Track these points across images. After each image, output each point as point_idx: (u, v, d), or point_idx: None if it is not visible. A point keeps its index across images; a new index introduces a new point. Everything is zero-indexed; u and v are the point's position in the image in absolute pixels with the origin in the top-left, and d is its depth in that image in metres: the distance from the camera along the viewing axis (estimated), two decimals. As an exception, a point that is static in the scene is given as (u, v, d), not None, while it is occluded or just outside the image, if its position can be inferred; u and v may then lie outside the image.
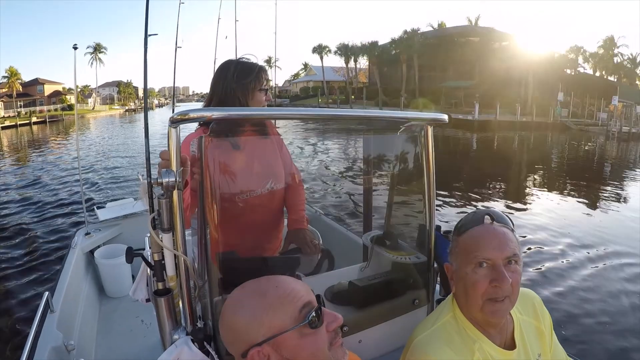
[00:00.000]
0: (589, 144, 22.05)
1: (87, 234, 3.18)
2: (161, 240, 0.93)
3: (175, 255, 0.95)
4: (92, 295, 2.81)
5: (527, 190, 10.48)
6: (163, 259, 0.98)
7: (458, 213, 7.45)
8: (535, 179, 12.45)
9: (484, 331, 1.00)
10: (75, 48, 3.12)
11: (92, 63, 64.75)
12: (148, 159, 0.98)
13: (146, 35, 1.28)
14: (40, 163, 14.48)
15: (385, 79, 45.47)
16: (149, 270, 1.49)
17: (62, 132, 30.37)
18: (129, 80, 79.86)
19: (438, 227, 1.44)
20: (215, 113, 0.88)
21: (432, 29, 44.33)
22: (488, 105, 30.02)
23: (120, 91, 76.53)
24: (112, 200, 3.86)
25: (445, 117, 1.29)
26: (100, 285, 3.07)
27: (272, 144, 1.63)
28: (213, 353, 0.93)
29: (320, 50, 48.99)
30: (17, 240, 5.93)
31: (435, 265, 1.40)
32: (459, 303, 1.04)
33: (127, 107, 66.59)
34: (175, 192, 0.90)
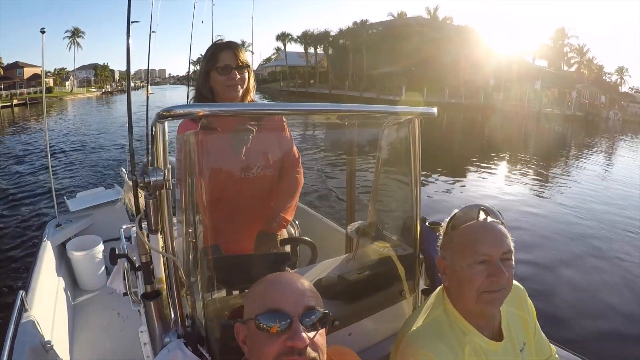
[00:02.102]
0: (512, 122, 25.91)
1: (58, 225, 3.04)
2: (149, 242, 0.89)
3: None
4: (67, 289, 2.72)
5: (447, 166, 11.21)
6: (150, 260, 0.94)
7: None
8: (459, 154, 13.67)
9: (474, 324, 1.02)
10: (42, 32, 2.94)
11: (70, 47, 65.85)
12: (132, 155, 0.93)
13: (129, 23, 1.20)
14: (9, 149, 13.72)
15: (336, 66, 49.70)
16: (126, 263, 1.45)
17: (41, 113, 30.33)
18: (106, 63, 80.00)
19: (423, 219, 1.45)
20: (204, 109, 0.84)
21: (392, 17, 47.87)
22: (427, 89, 34.04)
23: (97, 74, 76.28)
24: (82, 190, 3.70)
25: (435, 110, 1.28)
26: (73, 278, 2.96)
27: (267, 129, 1.58)
28: (207, 355, 0.91)
29: (283, 37, 52.98)
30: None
31: (421, 256, 1.42)
32: (451, 296, 1.06)
33: (103, 90, 66.75)
34: (163, 192, 0.86)
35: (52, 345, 1.73)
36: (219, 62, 1.46)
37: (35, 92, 45.70)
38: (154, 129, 0.86)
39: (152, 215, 0.88)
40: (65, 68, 64.02)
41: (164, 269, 0.95)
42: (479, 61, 38.33)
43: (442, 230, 1.13)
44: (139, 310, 1.86)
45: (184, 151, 0.93)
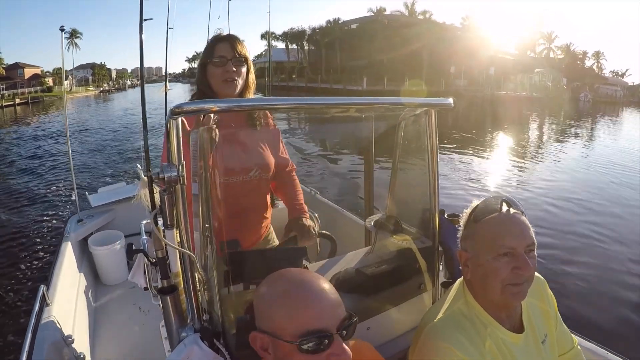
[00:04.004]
0: (470, 106, 29.12)
1: (79, 220, 3.10)
2: (164, 237, 0.89)
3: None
4: (88, 284, 2.77)
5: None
6: (167, 255, 0.94)
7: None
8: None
9: (495, 316, 1.01)
10: (62, 30, 2.98)
11: (68, 47, 67.51)
12: (147, 151, 0.93)
13: (141, 21, 1.20)
14: (28, 147, 14.20)
15: (313, 61, 56.27)
16: (146, 259, 1.46)
17: (43, 112, 31.78)
18: (103, 62, 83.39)
19: (442, 211, 1.42)
20: (217, 105, 0.83)
21: (372, 13, 52.89)
22: (393, 79, 40.00)
23: (95, 73, 79.18)
24: (103, 185, 3.76)
25: (451, 101, 1.25)
26: (95, 273, 3.02)
27: (263, 133, 1.54)
28: (223, 350, 0.91)
29: (267, 36, 58.23)
30: (8, 231, 5.78)
31: (440, 248, 1.40)
32: (473, 288, 1.05)
33: (101, 88, 69.79)
34: (178, 187, 0.86)
35: (73, 339, 1.76)
36: (214, 55, 1.40)
37: (36, 92, 48.61)
38: (168, 125, 0.86)
39: (167, 210, 0.87)
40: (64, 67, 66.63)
41: (180, 264, 0.95)
42: (440, 52, 43.59)
43: (462, 222, 1.11)
44: (159, 305, 1.89)
45: (196, 146, 0.93)
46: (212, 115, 0.89)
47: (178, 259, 0.94)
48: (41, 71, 59.82)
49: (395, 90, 34.81)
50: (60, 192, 7.70)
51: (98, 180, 8.68)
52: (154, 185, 0.92)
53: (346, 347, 0.73)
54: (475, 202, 1.09)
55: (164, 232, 0.90)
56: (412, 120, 1.35)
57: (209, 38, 1.48)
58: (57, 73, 59.75)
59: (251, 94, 1.50)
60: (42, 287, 1.88)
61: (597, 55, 63.63)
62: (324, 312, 0.73)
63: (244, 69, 1.43)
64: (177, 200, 0.87)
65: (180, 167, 0.84)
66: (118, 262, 3.02)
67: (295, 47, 58.31)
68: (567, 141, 16.17)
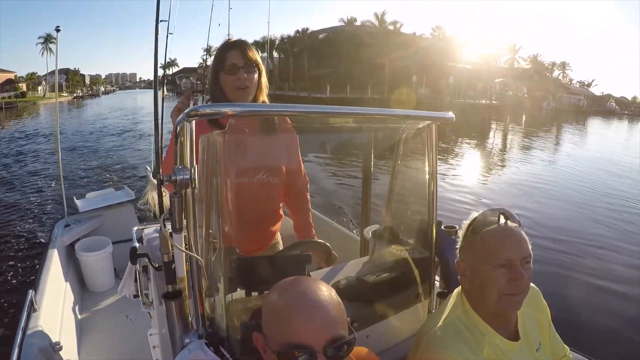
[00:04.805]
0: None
1: (66, 225, 3.05)
2: (172, 241, 0.89)
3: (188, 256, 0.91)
4: (75, 290, 2.71)
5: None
6: (173, 260, 0.94)
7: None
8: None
9: (492, 325, 1.04)
10: (57, 30, 2.96)
11: (42, 52, 67.65)
12: (159, 154, 0.93)
13: (157, 22, 1.21)
14: (11, 151, 13.88)
15: (282, 69, 57.40)
16: (139, 265, 1.45)
17: (18, 116, 31.40)
18: (77, 68, 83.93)
19: (439, 223, 1.45)
20: (234, 108, 0.84)
21: (343, 23, 55.41)
22: (357, 87, 42.54)
23: (69, 79, 78.55)
24: (91, 191, 3.70)
25: (452, 115, 1.29)
26: (82, 279, 2.96)
27: (277, 138, 1.54)
28: (228, 356, 0.91)
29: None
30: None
31: (436, 259, 1.42)
32: (471, 298, 1.07)
33: (75, 94, 69.50)
34: (189, 191, 0.87)
35: (61, 346, 1.73)
36: (226, 62, 1.41)
37: (9, 97, 48.07)
38: (178, 128, 0.86)
39: (176, 214, 0.88)
40: (37, 73, 66.57)
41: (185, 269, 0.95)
42: (402, 61, 45.81)
43: (461, 233, 1.15)
44: (149, 313, 1.85)
45: (208, 151, 0.93)
46: (228, 120, 0.90)
47: (184, 264, 0.94)
48: (15, 76, 59.21)
49: (358, 98, 37.32)
50: (49, 196, 7.52)
51: (76, 184, 8.50)
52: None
53: None
54: (474, 214, 1.12)
55: (171, 235, 0.90)
56: (413, 133, 1.38)
57: (208, 41, 1.50)
58: (31, 78, 60.47)
59: (264, 97, 1.51)
60: (31, 293, 1.85)
61: (563, 65, 68.15)
62: (309, 327, 0.70)
63: (256, 75, 1.44)
64: (188, 203, 0.88)
65: (192, 170, 0.85)
66: (105, 268, 2.97)
67: (266, 55, 60.68)
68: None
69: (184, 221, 0.90)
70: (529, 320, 1.14)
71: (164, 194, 0.92)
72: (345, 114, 1.09)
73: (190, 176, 0.85)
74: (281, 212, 1.64)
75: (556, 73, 67.38)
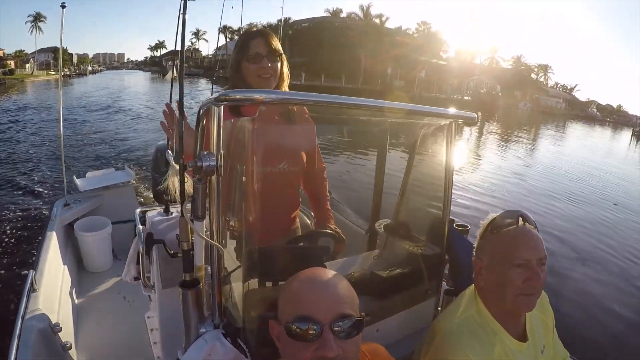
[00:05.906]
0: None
1: (66, 204, 3.00)
2: (195, 228, 0.87)
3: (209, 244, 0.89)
4: (73, 270, 2.69)
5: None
6: (192, 248, 0.92)
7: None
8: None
9: (503, 324, 1.06)
10: (63, 6, 2.87)
11: (31, 31, 68.67)
12: (181, 138, 0.90)
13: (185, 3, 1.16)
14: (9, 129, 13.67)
15: None
16: (141, 248, 1.43)
17: (5, 93, 30.57)
18: (65, 47, 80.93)
19: (451, 221, 1.45)
20: (266, 95, 0.81)
21: (328, 13, 58.09)
22: (332, 76, 44.67)
23: (57, 57, 75.29)
24: (92, 170, 3.64)
25: (474, 115, 1.27)
26: (80, 259, 2.93)
27: (297, 128, 1.53)
28: (244, 347, 0.90)
29: (224, 30, 61.73)
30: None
31: (446, 257, 1.42)
32: (485, 297, 1.08)
33: (62, 73, 66.87)
34: (214, 178, 0.84)
35: (61, 327, 1.72)
36: (249, 51, 1.39)
37: None
38: (203, 112, 0.84)
39: (199, 201, 0.85)
40: (24, 50, 65.87)
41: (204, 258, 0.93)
42: (379, 54, 48.02)
43: (479, 233, 1.16)
44: (149, 296, 1.84)
45: (233, 138, 0.91)
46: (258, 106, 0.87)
47: (203, 252, 0.92)
48: (2, 53, 58.32)
49: (333, 87, 40.04)
50: (48, 174, 7.41)
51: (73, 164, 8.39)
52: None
53: (334, 345, 0.70)
54: (493, 215, 1.13)
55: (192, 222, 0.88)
56: (432, 130, 1.36)
57: (243, 32, 1.47)
58: (19, 56, 59.78)
59: (285, 87, 1.49)
60: (32, 273, 1.82)
61: (545, 68, 69.62)
62: (318, 301, 0.72)
63: (278, 64, 1.43)
64: (212, 190, 0.85)
65: (219, 156, 0.82)
66: (104, 249, 2.94)
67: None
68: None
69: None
70: (536, 322, 1.16)
71: (186, 179, 0.90)
72: (375, 107, 1.07)
73: (217, 162, 0.82)
74: (299, 197, 1.64)
75: (538, 75, 69.05)
